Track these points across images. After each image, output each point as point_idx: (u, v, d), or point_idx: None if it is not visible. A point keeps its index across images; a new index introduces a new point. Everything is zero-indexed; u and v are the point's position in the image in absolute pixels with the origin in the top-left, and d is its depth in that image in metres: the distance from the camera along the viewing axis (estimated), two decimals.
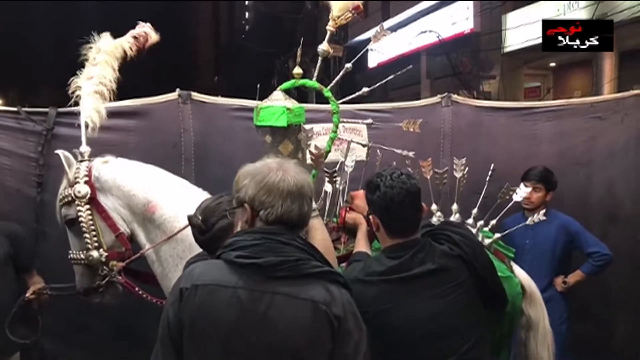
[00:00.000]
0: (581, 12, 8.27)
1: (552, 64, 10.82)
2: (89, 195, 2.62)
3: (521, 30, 9.28)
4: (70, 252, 2.70)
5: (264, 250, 1.52)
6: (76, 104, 2.87)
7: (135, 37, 2.96)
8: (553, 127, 3.87)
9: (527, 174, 3.55)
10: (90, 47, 2.89)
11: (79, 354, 3.46)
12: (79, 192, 2.61)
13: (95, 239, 2.63)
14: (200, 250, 2.18)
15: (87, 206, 2.62)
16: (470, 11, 10.74)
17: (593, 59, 8.76)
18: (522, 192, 2.82)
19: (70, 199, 2.64)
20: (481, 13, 10.55)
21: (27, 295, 2.88)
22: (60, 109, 3.33)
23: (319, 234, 2.09)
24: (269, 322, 1.48)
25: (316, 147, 2.53)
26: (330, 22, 2.69)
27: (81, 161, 2.70)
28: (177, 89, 3.58)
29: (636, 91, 3.88)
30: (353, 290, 1.62)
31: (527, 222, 2.81)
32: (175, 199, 2.65)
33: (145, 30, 3.01)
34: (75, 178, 2.64)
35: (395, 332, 1.81)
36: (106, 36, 2.92)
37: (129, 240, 2.69)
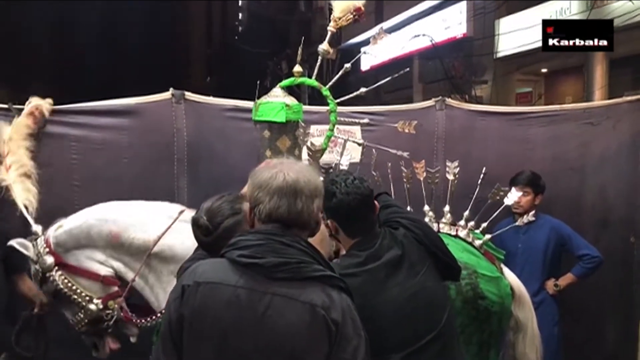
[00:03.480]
0: (574, 18, 8.32)
1: (544, 70, 10.88)
2: (54, 263, 2.66)
3: (514, 36, 9.31)
4: (70, 320, 2.72)
5: (266, 251, 1.52)
6: None
7: (30, 114, 3.11)
8: (546, 132, 3.90)
9: (515, 179, 3.59)
10: None
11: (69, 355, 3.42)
12: (44, 263, 2.66)
13: (83, 294, 2.67)
14: (195, 253, 2.16)
15: (59, 272, 2.67)
16: (464, 16, 10.75)
17: (584, 65, 8.81)
18: (513, 196, 2.90)
19: (41, 275, 2.68)
20: (474, 18, 10.57)
21: (36, 310, 2.88)
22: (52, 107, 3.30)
23: None
24: (267, 322, 1.47)
25: (312, 144, 2.55)
26: (332, 23, 2.71)
27: (35, 239, 2.72)
28: (171, 89, 3.56)
29: (628, 98, 3.92)
30: None
31: (517, 223, 2.97)
32: (131, 217, 2.71)
33: (37, 105, 3.15)
34: (37, 255, 2.67)
35: (379, 319, 1.87)
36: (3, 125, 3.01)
37: (115, 278, 2.73)
